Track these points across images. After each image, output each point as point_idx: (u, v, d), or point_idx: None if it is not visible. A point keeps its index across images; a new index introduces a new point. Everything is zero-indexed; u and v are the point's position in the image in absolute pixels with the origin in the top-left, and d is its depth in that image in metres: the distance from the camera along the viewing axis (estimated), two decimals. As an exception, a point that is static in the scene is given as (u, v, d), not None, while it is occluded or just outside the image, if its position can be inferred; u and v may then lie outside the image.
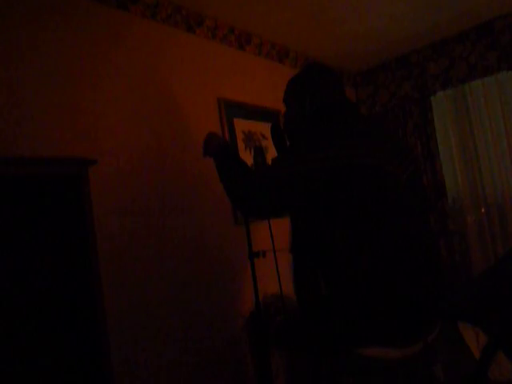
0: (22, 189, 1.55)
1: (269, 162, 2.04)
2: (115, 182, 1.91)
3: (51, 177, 1.64)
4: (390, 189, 1.18)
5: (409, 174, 1.27)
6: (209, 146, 1.57)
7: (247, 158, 2.54)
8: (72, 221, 1.67)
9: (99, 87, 1.94)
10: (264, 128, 2.80)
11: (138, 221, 1.97)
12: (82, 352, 1.62)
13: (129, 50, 2.11)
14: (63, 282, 1.61)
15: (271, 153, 2.61)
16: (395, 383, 1.16)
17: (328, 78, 1.41)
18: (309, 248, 1.25)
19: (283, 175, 1.19)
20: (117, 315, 1.79)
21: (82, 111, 1.85)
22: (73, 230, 1.67)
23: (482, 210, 3.38)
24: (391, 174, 1.18)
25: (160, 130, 2.18)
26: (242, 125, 2.68)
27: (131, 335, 1.85)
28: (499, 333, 1.82)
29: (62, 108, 1.78)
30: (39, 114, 1.69)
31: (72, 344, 1.60)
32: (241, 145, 2.64)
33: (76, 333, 1.61)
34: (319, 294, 1.19)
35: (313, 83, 1.38)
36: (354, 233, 1.14)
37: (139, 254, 1.95)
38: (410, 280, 1.16)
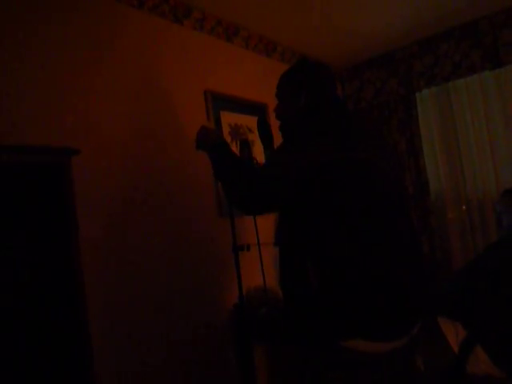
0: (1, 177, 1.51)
1: (254, 155, 2.05)
2: (98, 172, 1.89)
3: (32, 166, 1.61)
4: (379, 183, 1.21)
5: (396, 171, 1.30)
6: (204, 140, 1.54)
7: (234, 151, 2.52)
8: (54, 211, 1.64)
9: (84, 78, 1.90)
10: (250, 121, 2.80)
11: (120, 213, 1.95)
12: (64, 355, 1.59)
13: (113, 41, 2.07)
14: (43, 275, 1.58)
15: (257, 146, 2.60)
16: (380, 374, 1.18)
17: (322, 74, 1.42)
18: (300, 242, 1.26)
19: (280, 172, 1.21)
20: (99, 311, 1.77)
21: (66, 101, 1.81)
22: (54, 219, 1.64)
23: (464, 207, 3.43)
24: (381, 169, 1.22)
25: (146, 121, 2.15)
26: (228, 118, 2.67)
27: (115, 332, 1.83)
28: (477, 327, 1.87)
29: (48, 98, 1.74)
30: (26, 103, 1.66)
31: (53, 347, 1.56)
32: (227, 138, 2.62)
33: (56, 331, 1.58)
34: (307, 287, 1.20)
35: (308, 79, 1.39)
36: (344, 227, 1.16)
37: (121, 247, 1.93)
38: (398, 274, 1.18)
